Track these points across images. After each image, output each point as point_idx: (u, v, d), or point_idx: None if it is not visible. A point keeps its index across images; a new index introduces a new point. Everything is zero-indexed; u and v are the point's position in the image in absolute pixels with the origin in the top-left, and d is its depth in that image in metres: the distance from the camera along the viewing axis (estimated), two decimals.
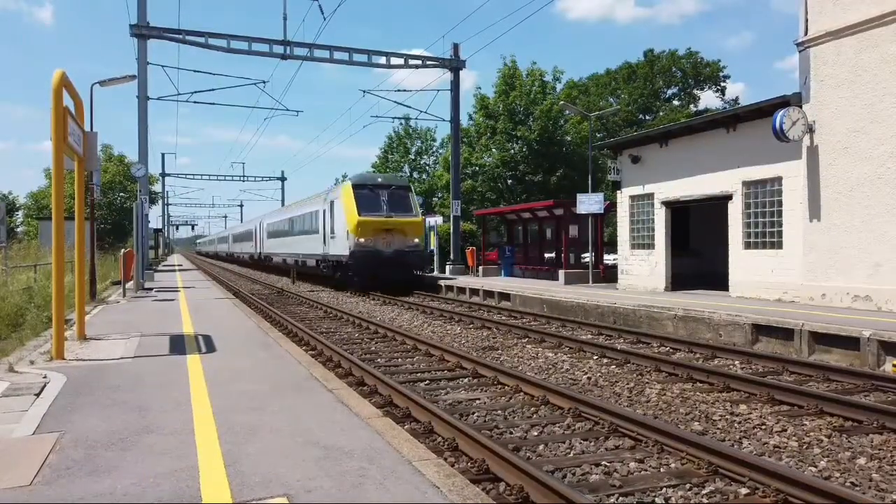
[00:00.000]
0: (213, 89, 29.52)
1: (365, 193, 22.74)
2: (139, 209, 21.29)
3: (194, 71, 27.33)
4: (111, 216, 49.10)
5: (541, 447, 5.61)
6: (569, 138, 42.02)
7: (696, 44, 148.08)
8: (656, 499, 4.54)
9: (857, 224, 12.30)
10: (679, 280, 17.38)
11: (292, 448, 4.35)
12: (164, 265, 47.08)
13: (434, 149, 62.82)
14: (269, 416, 5.18)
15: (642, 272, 18.15)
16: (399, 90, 44.84)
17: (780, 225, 14.09)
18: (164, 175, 61.60)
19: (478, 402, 7.28)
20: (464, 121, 38.56)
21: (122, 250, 20.49)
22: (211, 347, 8.76)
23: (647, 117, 50.28)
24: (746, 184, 14.88)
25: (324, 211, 25.84)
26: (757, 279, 14.52)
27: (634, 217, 18.68)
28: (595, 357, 9.97)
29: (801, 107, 13.31)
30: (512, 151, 40.29)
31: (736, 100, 53.08)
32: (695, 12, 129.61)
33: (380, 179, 24.72)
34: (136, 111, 22.63)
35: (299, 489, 3.61)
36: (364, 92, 28.09)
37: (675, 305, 13.07)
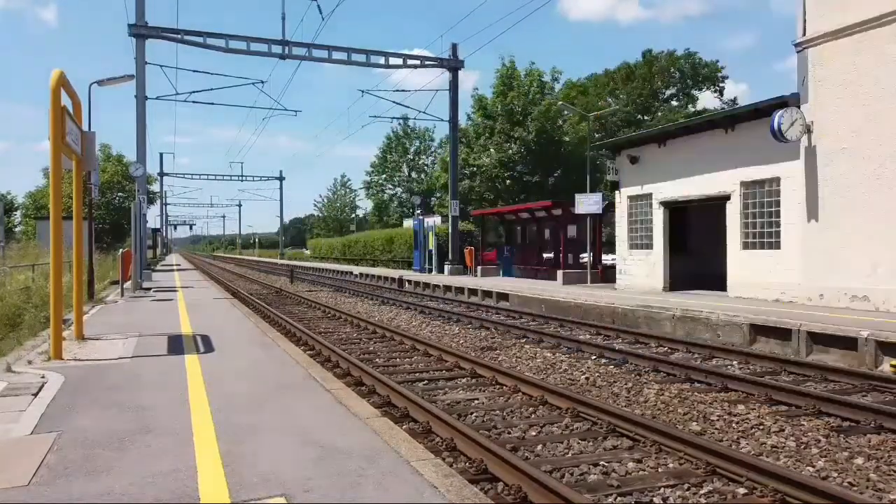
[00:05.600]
0: (211, 89, 29.76)
1: None
2: (137, 209, 21.28)
3: (193, 71, 27.31)
4: (109, 216, 49.03)
5: (539, 447, 5.61)
6: (567, 139, 42.06)
7: (700, 45, 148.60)
8: (654, 499, 4.54)
9: (856, 224, 12.32)
10: (677, 280, 17.39)
11: (290, 448, 4.34)
12: (163, 265, 47.04)
13: (433, 149, 62.90)
14: (268, 416, 5.17)
15: (641, 272, 18.16)
16: (398, 90, 45.04)
17: (779, 225, 14.11)
18: (162, 175, 61.53)
19: (476, 402, 7.27)
20: (462, 121, 38.64)
21: (121, 250, 20.47)
22: (209, 347, 8.75)
23: (646, 118, 50.31)
24: (745, 184, 14.90)
25: None
26: (755, 279, 14.54)
27: (633, 217, 18.70)
28: (593, 357, 9.98)
29: (799, 107, 13.33)
30: (510, 152, 40.30)
31: (734, 100, 53.21)
32: (698, 13, 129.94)
33: None
34: (134, 111, 22.62)
35: (297, 489, 3.61)
36: (363, 92, 28.11)
37: (673, 306, 13.08)
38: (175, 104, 63.44)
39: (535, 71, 41.67)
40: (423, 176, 61.80)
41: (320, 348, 10.62)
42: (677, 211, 17.89)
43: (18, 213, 55.80)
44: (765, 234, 14.53)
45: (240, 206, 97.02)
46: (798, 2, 13.46)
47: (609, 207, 21.66)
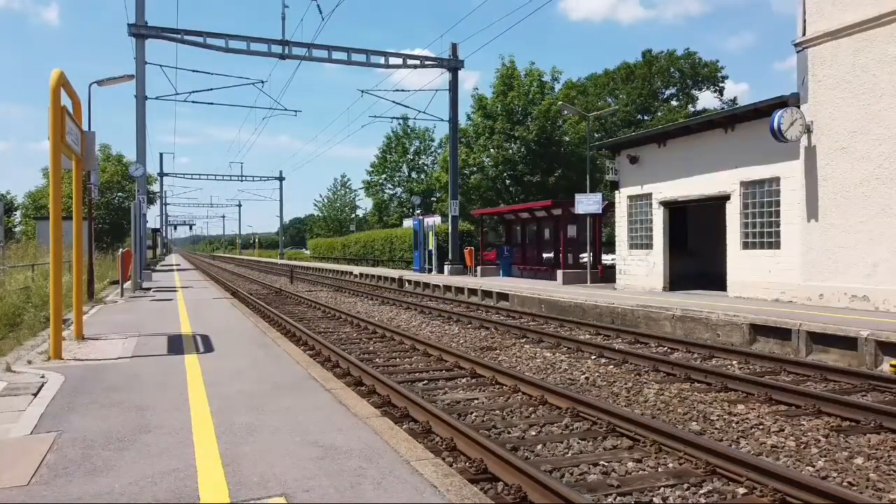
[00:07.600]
0: (211, 89, 29.78)
1: None
2: (137, 209, 21.27)
3: (192, 71, 27.30)
4: (109, 216, 49.01)
5: (539, 447, 5.61)
6: (567, 138, 42.05)
7: (700, 45, 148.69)
8: (654, 498, 4.54)
9: (855, 224, 12.32)
10: (677, 280, 17.39)
11: (290, 448, 4.34)
12: (162, 265, 47.04)
13: (433, 149, 62.88)
14: (267, 415, 5.17)
15: (640, 272, 18.16)
16: (398, 90, 45.05)
17: (779, 225, 14.11)
18: (162, 175, 61.54)
19: (476, 401, 7.27)
20: (462, 121, 38.64)
21: (120, 250, 20.47)
22: (209, 347, 8.75)
23: (646, 118, 50.31)
24: (744, 184, 14.90)
25: None
26: (754, 279, 14.54)
27: (632, 217, 18.70)
28: (593, 357, 9.97)
29: (798, 107, 13.33)
30: (510, 151, 40.31)
31: (734, 100, 53.21)
32: (698, 13, 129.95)
33: None
34: (134, 111, 22.61)
35: (297, 489, 3.60)
36: (362, 92, 28.09)
37: (673, 305, 13.08)
38: (175, 104, 63.53)
39: (535, 71, 41.65)
40: (423, 176, 61.75)
41: (320, 348, 10.62)
42: (677, 211, 17.90)
43: (18, 213, 55.77)
44: (764, 234, 14.53)
45: (240, 206, 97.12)
46: (798, 2, 13.47)
47: (609, 207, 21.67)
